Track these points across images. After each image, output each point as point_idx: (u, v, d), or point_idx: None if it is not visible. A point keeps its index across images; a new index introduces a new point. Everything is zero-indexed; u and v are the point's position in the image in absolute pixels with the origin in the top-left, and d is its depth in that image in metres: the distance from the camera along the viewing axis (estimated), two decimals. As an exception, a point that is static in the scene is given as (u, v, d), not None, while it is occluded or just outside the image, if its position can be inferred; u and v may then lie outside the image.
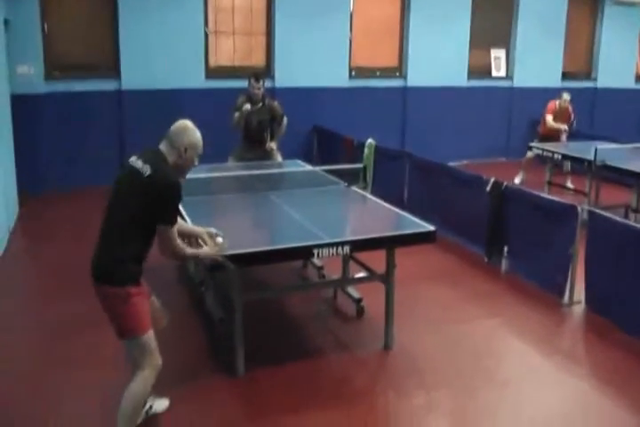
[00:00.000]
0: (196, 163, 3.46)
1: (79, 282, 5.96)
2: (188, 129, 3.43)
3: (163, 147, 3.39)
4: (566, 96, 10.21)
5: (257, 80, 7.54)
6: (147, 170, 3.23)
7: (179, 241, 3.37)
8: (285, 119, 7.77)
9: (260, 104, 7.60)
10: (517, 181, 10.15)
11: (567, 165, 9.83)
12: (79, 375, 4.23)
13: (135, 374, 3.32)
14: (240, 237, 4.72)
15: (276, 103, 7.77)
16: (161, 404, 3.79)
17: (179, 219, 3.52)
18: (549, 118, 10.19)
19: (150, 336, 3.32)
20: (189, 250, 3.50)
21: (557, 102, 10.24)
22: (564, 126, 10.23)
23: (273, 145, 7.77)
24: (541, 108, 10.55)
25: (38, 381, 4.16)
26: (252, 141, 7.73)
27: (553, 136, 10.18)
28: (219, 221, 5.28)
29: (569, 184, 9.76)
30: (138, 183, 3.23)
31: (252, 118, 7.60)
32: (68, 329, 4.96)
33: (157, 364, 3.36)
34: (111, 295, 3.24)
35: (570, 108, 10.32)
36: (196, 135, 3.43)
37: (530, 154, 9.85)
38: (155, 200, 3.19)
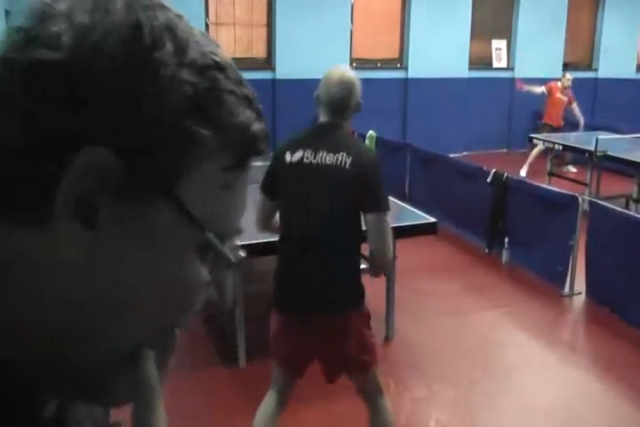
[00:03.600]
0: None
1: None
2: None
3: None
4: (568, 75, 10.33)
5: None
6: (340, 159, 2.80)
7: None
8: None
9: None
10: (523, 173, 10.10)
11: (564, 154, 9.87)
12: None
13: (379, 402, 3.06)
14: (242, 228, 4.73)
15: None
16: None
17: None
18: (540, 88, 10.41)
19: None
20: None
21: (560, 83, 10.35)
22: (537, 89, 10.45)
23: None
24: (543, 99, 10.58)
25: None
26: None
27: (561, 126, 10.27)
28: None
29: (571, 168, 9.90)
30: None
31: None
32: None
33: None
34: None
35: (571, 93, 10.35)
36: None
37: (538, 148, 9.81)
38: None
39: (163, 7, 0.54)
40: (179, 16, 0.56)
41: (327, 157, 2.64)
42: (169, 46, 0.52)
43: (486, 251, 6.57)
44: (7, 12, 8.34)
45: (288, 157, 2.70)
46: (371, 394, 3.02)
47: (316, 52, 10.73)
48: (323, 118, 2.76)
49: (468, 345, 4.70)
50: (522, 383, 4.19)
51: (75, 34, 0.50)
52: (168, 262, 0.55)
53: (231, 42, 10.54)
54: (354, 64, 11.29)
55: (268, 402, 3.03)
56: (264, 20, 10.67)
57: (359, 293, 2.81)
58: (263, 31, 10.69)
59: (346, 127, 2.81)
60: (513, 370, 4.37)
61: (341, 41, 11.03)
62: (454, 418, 3.77)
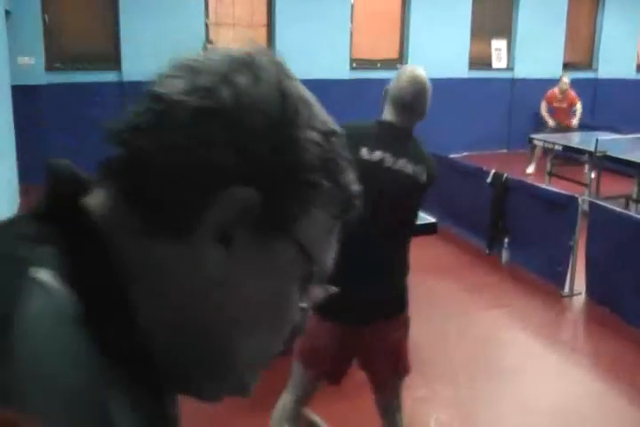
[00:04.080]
0: None
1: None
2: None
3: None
4: (565, 79, 10.33)
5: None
6: (419, 171, 2.58)
7: None
8: None
9: None
10: (530, 170, 10.14)
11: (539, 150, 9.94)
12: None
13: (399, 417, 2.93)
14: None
15: None
16: None
17: None
18: (543, 105, 10.49)
19: None
20: None
21: (557, 89, 10.39)
22: (551, 122, 10.42)
23: None
24: (542, 99, 10.60)
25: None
26: None
27: (562, 125, 10.31)
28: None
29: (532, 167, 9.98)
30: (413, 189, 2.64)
31: None
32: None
33: None
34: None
35: (573, 93, 10.38)
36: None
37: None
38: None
39: (295, 79, 0.67)
40: (304, 88, 0.68)
41: (408, 166, 2.55)
42: (304, 113, 0.64)
43: (486, 251, 6.58)
44: (7, 12, 8.35)
45: (365, 153, 2.52)
46: (389, 408, 2.93)
47: (316, 52, 10.73)
48: (391, 118, 2.65)
49: (468, 345, 4.70)
50: (522, 383, 4.20)
51: (234, 91, 0.61)
52: (279, 289, 0.65)
53: (231, 42, 10.54)
54: (354, 64, 11.31)
55: (282, 410, 2.85)
56: (264, 20, 10.67)
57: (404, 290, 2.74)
58: (263, 31, 10.68)
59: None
60: (513, 370, 4.37)
61: (341, 41, 11.03)
62: (454, 418, 3.77)
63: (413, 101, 2.64)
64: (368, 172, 2.29)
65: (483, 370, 4.34)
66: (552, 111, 10.54)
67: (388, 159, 2.52)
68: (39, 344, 0.51)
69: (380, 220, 2.44)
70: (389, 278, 2.65)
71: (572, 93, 10.36)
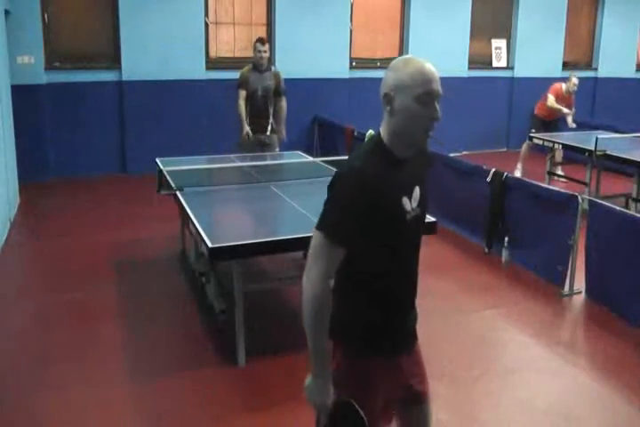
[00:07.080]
0: (428, 113, 2.16)
1: (79, 272, 6.01)
2: (394, 64, 2.10)
3: None
4: (575, 80, 9.82)
5: (262, 43, 7.40)
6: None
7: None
8: (285, 99, 7.63)
9: (266, 71, 7.50)
10: (518, 173, 9.99)
11: (559, 154, 9.69)
12: (76, 367, 4.26)
13: None
14: (241, 228, 4.74)
15: (279, 70, 7.70)
16: None
17: None
18: (552, 99, 9.81)
19: None
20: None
21: (565, 85, 9.87)
22: (566, 110, 9.84)
23: (282, 130, 7.62)
24: (539, 95, 10.50)
25: (31, 370, 4.19)
26: (257, 115, 7.46)
27: (553, 119, 10.08)
28: (219, 213, 5.30)
29: (560, 172, 9.73)
30: None
31: (257, 87, 7.39)
32: (65, 318, 4.98)
33: None
34: None
35: (573, 98, 10.03)
36: (407, 69, 2.04)
37: (526, 144, 9.81)
38: None
39: None
40: None
41: None
42: None
43: (486, 250, 6.58)
44: (7, 12, 8.35)
45: None
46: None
47: (316, 51, 10.74)
48: None
49: (468, 344, 4.70)
50: (521, 382, 4.19)
51: None
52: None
53: (231, 41, 10.55)
54: (353, 63, 11.31)
55: None
56: (263, 19, 10.67)
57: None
58: (263, 30, 10.68)
59: (385, 130, 2.30)
60: (512, 369, 4.37)
61: (341, 40, 11.03)
62: (454, 417, 3.77)
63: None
64: None
65: (482, 369, 4.33)
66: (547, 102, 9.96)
67: None
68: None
69: None
70: None
71: (573, 98, 10.01)
